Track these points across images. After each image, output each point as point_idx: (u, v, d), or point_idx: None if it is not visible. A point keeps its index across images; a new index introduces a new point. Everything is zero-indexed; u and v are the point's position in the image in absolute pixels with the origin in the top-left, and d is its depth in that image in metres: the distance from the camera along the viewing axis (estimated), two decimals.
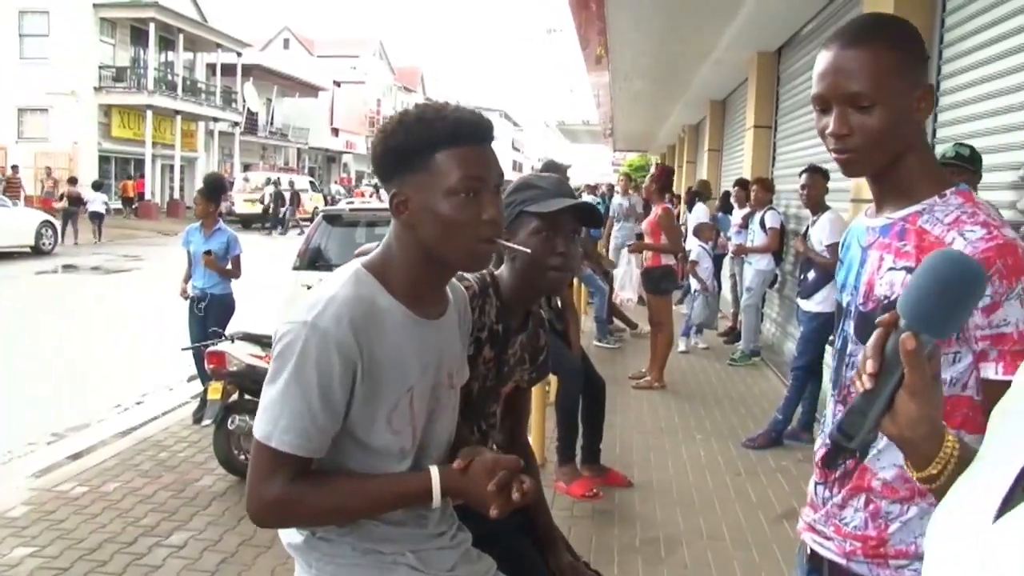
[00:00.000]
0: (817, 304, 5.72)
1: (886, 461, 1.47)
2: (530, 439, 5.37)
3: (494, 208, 1.53)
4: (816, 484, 1.65)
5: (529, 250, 1.80)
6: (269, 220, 30.21)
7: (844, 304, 1.63)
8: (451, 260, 1.57)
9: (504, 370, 2.10)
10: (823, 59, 1.50)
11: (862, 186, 5.61)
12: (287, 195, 31.30)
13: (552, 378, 5.19)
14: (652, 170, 8.39)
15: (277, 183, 31.59)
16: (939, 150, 4.41)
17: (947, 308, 0.99)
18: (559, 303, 5.06)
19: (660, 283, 7.44)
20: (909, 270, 1.44)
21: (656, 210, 7.55)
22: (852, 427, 1.04)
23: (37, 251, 18.38)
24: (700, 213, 9.56)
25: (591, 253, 10.83)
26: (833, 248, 5.64)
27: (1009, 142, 4.28)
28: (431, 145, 1.50)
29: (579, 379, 4.86)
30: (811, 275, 5.82)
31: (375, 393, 1.50)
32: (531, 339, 2.19)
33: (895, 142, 1.48)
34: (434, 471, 1.53)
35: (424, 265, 1.56)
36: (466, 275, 2.04)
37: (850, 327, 1.58)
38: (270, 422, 1.44)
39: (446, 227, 1.50)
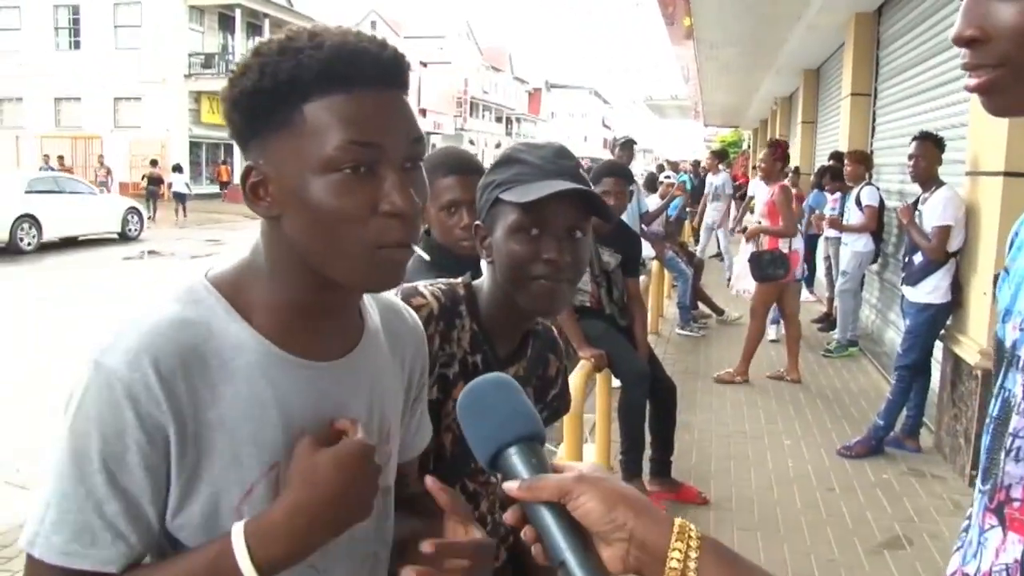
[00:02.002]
0: (926, 294, 4.98)
1: None
2: (593, 448, 4.87)
3: (400, 193, 0.94)
4: None
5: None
6: None
7: (1008, 344, 0.97)
8: (335, 274, 0.98)
9: None
10: None
11: (981, 156, 4.86)
12: None
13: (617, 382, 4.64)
14: (765, 146, 7.59)
15: None
16: None
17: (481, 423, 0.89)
18: (624, 296, 4.49)
19: (768, 268, 6.72)
20: None
21: (773, 188, 6.80)
22: None
23: (124, 237, 18.64)
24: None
25: (674, 235, 10.22)
26: (939, 232, 4.90)
27: None
28: (297, 89, 0.93)
29: (645, 384, 4.27)
30: (918, 258, 5.07)
31: (208, 474, 0.95)
32: (533, 369, 1.61)
33: None
34: (236, 530, 0.93)
35: (303, 280, 1.00)
36: (421, 288, 1.50)
37: (1016, 383, 0.92)
38: (36, 519, 0.91)
39: (321, 223, 0.94)
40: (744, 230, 7.68)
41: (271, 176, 0.96)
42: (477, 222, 1.50)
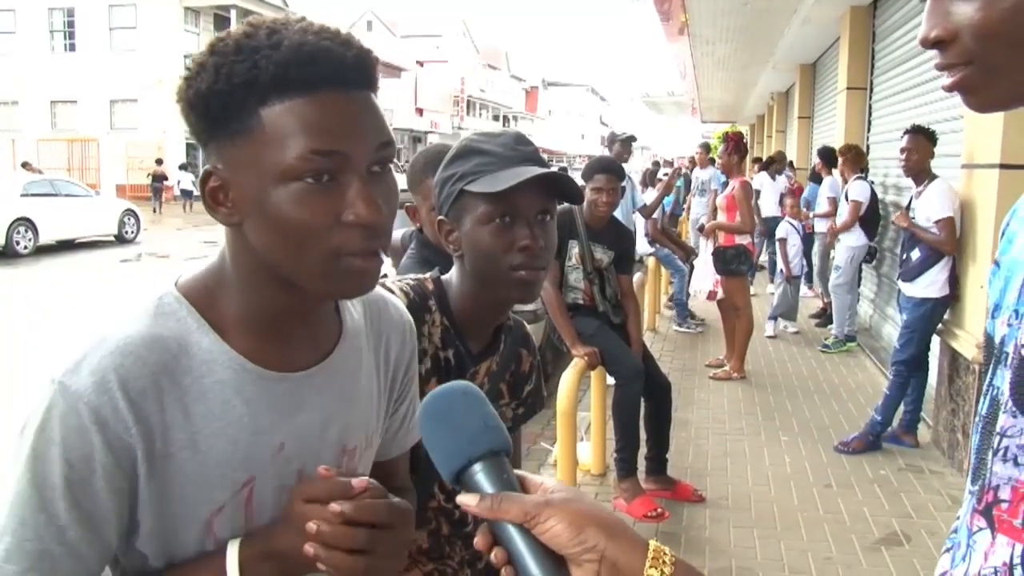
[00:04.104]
0: (923, 288, 4.95)
1: None
2: (588, 447, 4.83)
3: (364, 202, 0.89)
4: None
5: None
6: None
7: (997, 340, 0.92)
8: (300, 282, 0.94)
9: None
10: None
11: (976, 149, 4.82)
12: None
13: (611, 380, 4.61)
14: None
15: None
16: None
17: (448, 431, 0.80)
18: (617, 293, 4.46)
19: (732, 264, 6.72)
20: None
21: (734, 183, 6.80)
22: None
23: (120, 239, 18.60)
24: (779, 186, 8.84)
25: (669, 231, 10.19)
26: (945, 224, 4.86)
27: None
28: (253, 92, 0.87)
29: (639, 381, 4.23)
30: (915, 254, 5.04)
31: (177, 493, 0.92)
32: (506, 364, 1.60)
33: None
34: (231, 551, 0.94)
35: (272, 288, 0.96)
36: (390, 283, 1.46)
37: (1004, 381, 0.88)
38: None
39: (281, 232, 0.89)
40: (701, 228, 7.69)
41: (230, 182, 0.91)
42: (440, 217, 1.48)
